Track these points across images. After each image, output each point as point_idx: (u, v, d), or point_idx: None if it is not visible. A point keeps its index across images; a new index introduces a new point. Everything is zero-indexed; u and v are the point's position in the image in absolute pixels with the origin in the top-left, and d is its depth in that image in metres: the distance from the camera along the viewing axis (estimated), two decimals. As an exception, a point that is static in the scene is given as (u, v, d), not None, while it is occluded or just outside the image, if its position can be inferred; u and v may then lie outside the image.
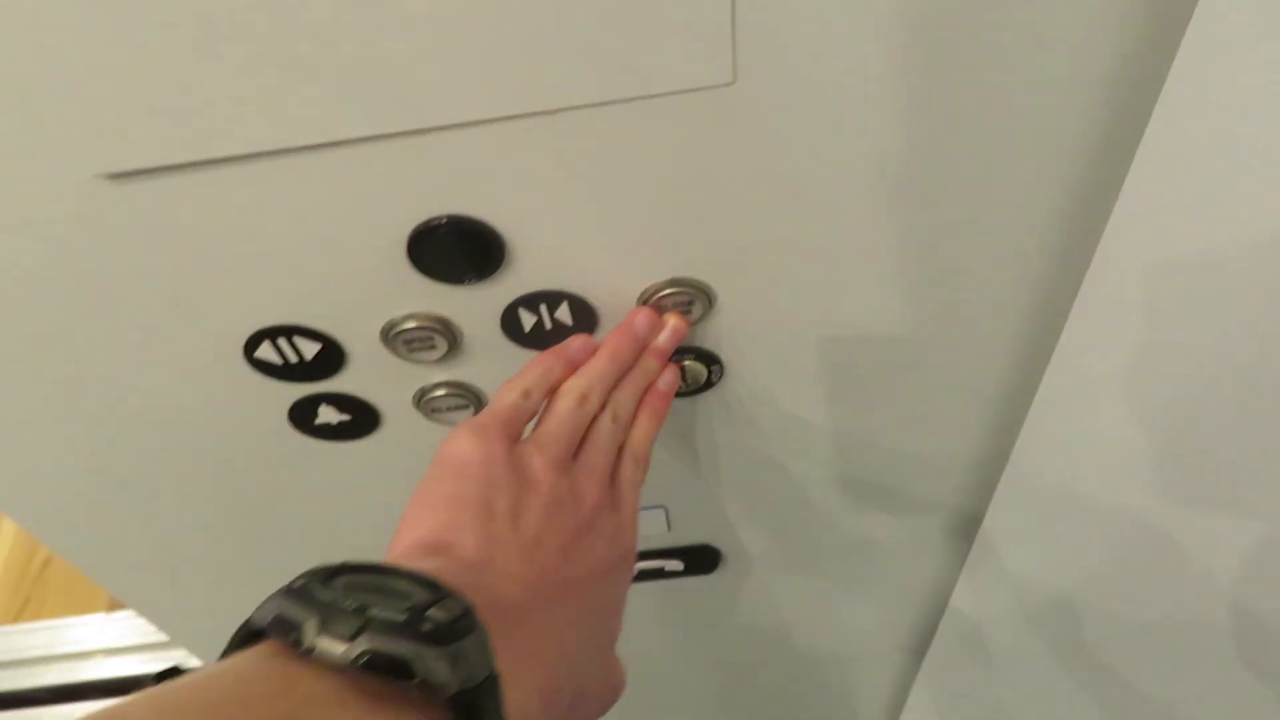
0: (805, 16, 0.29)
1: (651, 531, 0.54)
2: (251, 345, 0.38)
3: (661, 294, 0.38)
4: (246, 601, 0.63)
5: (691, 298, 0.38)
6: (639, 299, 0.38)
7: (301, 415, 0.42)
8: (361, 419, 0.42)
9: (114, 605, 1.33)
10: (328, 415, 0.42)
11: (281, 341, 0.38)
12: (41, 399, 0.40)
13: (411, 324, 0.38)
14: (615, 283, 0.37)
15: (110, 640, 1.31)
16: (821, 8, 0.29)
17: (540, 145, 0.32)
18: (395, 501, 0.49)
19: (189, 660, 1.29)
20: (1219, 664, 0.39)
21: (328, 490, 0.48)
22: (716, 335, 0.41)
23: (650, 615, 0.65)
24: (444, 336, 0.38)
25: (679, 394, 0.43)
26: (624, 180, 0.34)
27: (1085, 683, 0.51)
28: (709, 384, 0.43)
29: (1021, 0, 0.29)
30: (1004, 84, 0.31)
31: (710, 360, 0.42)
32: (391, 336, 0.38)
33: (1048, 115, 0.32)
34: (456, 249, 0.34)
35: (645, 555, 0.57)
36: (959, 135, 0.32)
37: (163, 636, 1.32)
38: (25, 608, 1.33)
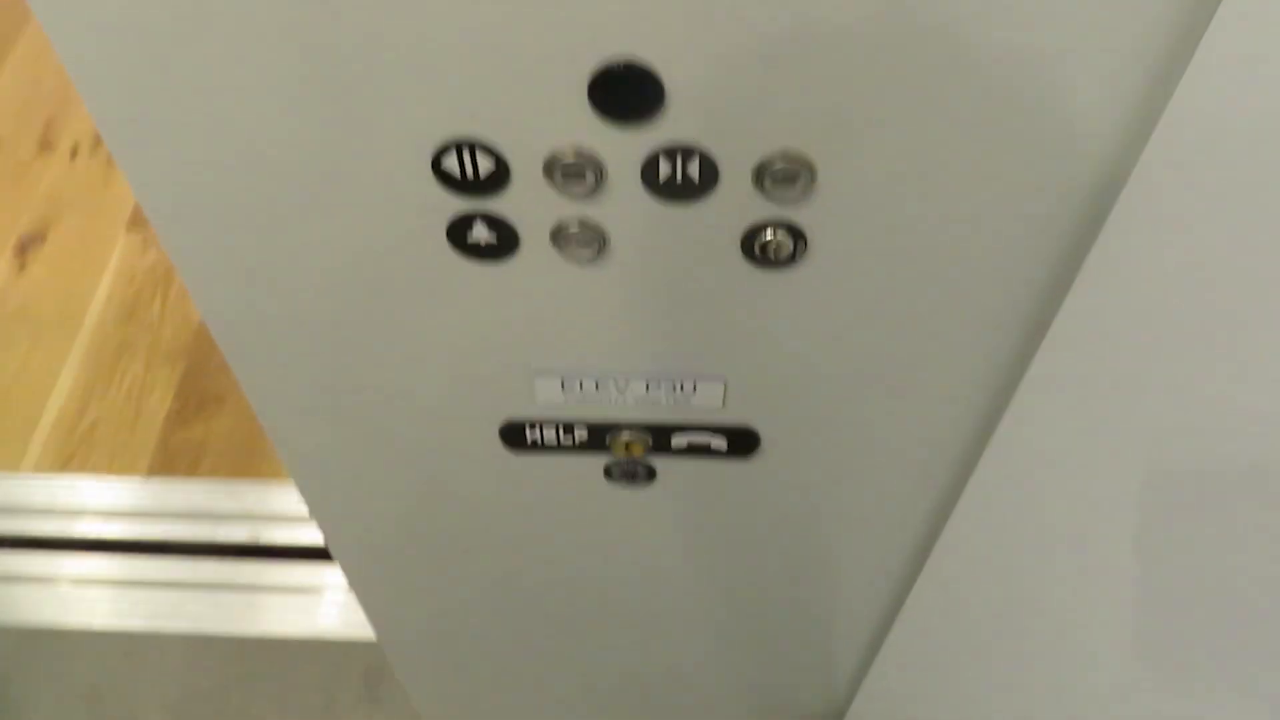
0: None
1: (709, 403, 0.63)
2: (440, 153, 0.46)
3: (774, 164, 0.47)
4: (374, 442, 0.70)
5: (797, 171, 0.47)
6: (754, 164, 0.47)
7: (458, 231, 0.50)
8: (505, 242, 0.51)
9: (152, 471, 1.41)
10: (479, 233, 0.50)
11: (465, 154, 0.46)
12: (255, 182, 0.49)
13: (572, 157, 0.46)
14: (739, 145, 0.46)
15: (143, 503, 1.39)
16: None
17: (707, 10, 0.41)
18: (513, 332, 0.57)
19: (217, 531, 1.37)
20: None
21: (454, 314, 0.56)
22: (809, 214, 0.49)
23: (680, 494, 0.73)
24: (594, 173, 0.47)
25: (765, 264, 0.52)
26: (765, 52, 0.42)
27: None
28: (791, 258, 0.52)
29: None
30: None
31: (798, 235, 0.51)
32: (553, 166, 0.47)
33: None
34: (629, 91, 0.43)
35: (697, 429, 0.66)
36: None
37: (194, 505, 1.40)
38: (69, 462, 1.41)
